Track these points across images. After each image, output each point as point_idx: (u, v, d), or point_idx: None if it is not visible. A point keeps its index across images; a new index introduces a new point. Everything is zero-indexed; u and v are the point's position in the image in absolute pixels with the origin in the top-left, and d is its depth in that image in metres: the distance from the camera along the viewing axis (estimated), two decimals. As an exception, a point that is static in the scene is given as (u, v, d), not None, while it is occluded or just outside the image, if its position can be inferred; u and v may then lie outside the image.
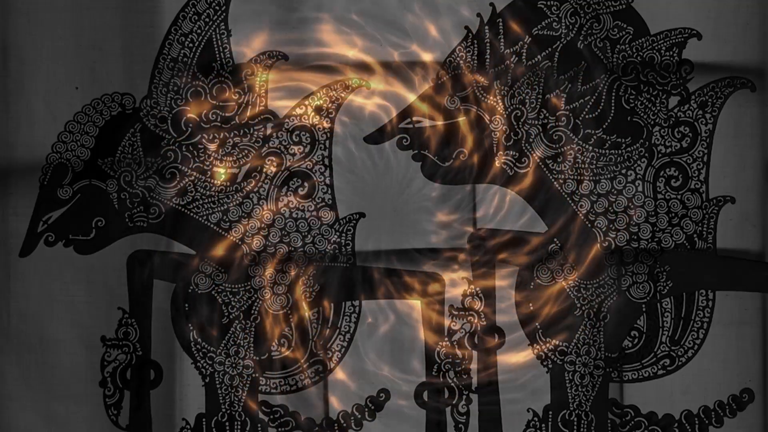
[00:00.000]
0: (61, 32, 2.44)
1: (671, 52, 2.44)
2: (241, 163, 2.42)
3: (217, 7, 2.41)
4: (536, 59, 2.44)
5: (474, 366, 2.47)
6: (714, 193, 2.48)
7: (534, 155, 2.45)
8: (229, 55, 2.41)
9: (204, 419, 2.45)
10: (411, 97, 2.44)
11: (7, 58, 2.45)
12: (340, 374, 2.47)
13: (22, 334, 2.46)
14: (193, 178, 2.42)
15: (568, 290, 2.46)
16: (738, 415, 2.52)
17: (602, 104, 2.45)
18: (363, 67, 2.45)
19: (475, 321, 2.46)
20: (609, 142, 2.45)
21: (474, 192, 2.48)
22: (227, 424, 2.45)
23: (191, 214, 2.42)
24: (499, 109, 2.44)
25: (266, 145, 2.43)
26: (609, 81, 2.44)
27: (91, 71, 2.44)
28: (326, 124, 2.44)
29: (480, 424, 2.47)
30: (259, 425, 2.46)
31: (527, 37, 2.43)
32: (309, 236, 2.44)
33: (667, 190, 2.47)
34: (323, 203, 2.44)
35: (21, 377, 2.47)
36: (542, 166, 2.45)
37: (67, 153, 2.40)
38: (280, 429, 2.46)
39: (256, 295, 2.44)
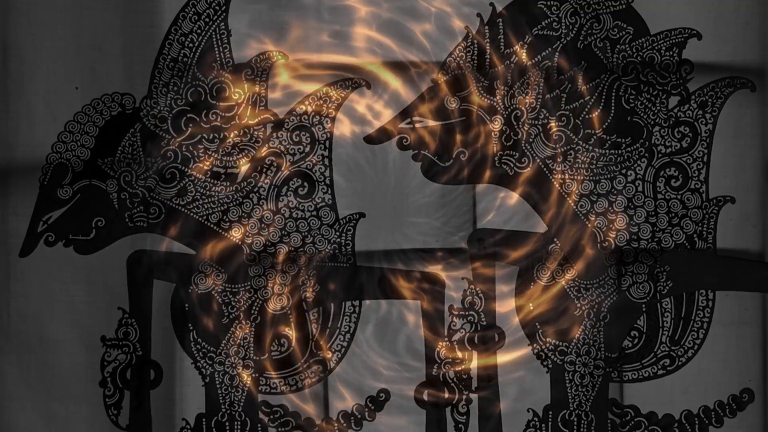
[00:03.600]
0: (61, 32, 2.44)
1: (671, 52, 2.44)
2: (241, 163, 2.42)
3: (217, 7, 2.41)
4: (536, 59, 2.44)
5: (474, 366, 2.47)
6: (714, 193, 2.48)
7: (534, 155, 2.45)
8: (229, 55, 2.41)
9: (204, 419, 2.45)
10: (411, 97, 2.44)
11: (7, 58, 2.45)
12: (340, 374, 2.47)
13: (22, 334, 2.46)
14: (193, 178, 2.42)
15: (568, 290, 2.46)
16: (738, 415, 2.52)
17: (602, 104, 2.45)
18: (364, 67, 2.45)
19: (475, 321, 2.46)
20: (609, 142, 2.45)
21: (474, 192, 2.48)
22: (227, 424, 2.45)
23: (191, 214, 2.42)
24: (499, 109, 2.44)
25: (266, 145, 2.43)
26: (609, 81, 2.44)
27: (91, 71, 2.44)
28: (326, 124, 2.44)
29: (480, 424, 2.47)
30: (259, 425, 2.46)
31: (527, 37, 2.43)
32: (309, 236, 2.44)
33: (667, 190, 2.47)
34: (323, 203, 2.44)
35: (21, 377, 2.47)
36: (542, 166, 2.45)
37: (67, 153, 2.40)
38: (280, 429, 2.46)
39: (256, 295, 2.44)
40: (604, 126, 2.45)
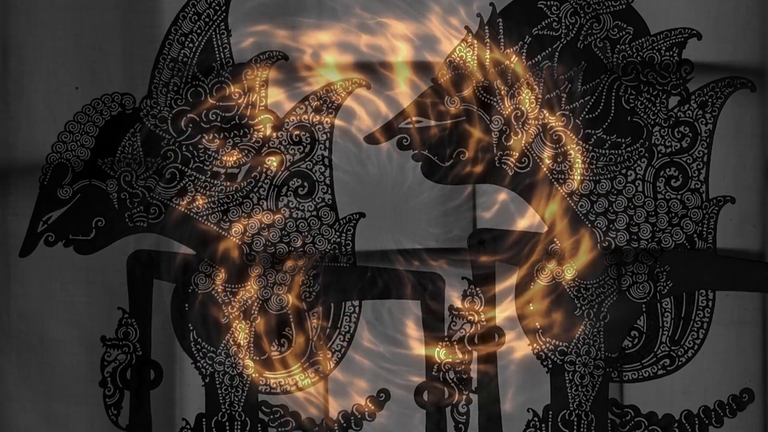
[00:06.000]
0: (61, 32, 2.44)
1: (671, 52, 2.44)
2: (241, 163, 2.42)
3: (217, 7, 2.41)
4: (536, 59, 2.44)
5: (474, 366, 2.47)
6: (714, 193, 2.48)
7: (534, 155, 2.45)
8: (229, 55, 2.41)
9: (204, 419, 2.45)
10: (411, 97, 2.44)
11: (7, 58, 2.45)
12: (340, 374, 2.47)
13: (22, 334, 2.46)
14: (193, 178, 2.42)
15: (568, 290, 2.46)
16: (738, 415, 2.52)
17: (602, 104, 2.45)
18: (363, 67, 2.45)
19: (475, 321, 2.46)
20: (609, 142, 2.45)
21: (474, 192, 2.48)
22: (227, 424, 2.45)
23: (191, 215, 2.42)
24: (499, 109, 2.44)
25: (266, 145, 2.43)
26: (609, 81, 2.44)
27: (91, 71, 2.44)
28: (326, 124, 2.44)
29: (480, 424, 2.47)
30: (259, 425, 2.46)
31: (527, 37, 2.43)
32: (309, 236, 2.44)
33: (667, 190, 2.47)
34: (323, 203, 2.44)
35: (21, 377, 2.47)
36: (542, 166, 2.45)
37: (67, 153, 2.40)
38: (280, 429, 2.46)
39: (256, 295, 2.44)
40: (604, 126, 2.45)
